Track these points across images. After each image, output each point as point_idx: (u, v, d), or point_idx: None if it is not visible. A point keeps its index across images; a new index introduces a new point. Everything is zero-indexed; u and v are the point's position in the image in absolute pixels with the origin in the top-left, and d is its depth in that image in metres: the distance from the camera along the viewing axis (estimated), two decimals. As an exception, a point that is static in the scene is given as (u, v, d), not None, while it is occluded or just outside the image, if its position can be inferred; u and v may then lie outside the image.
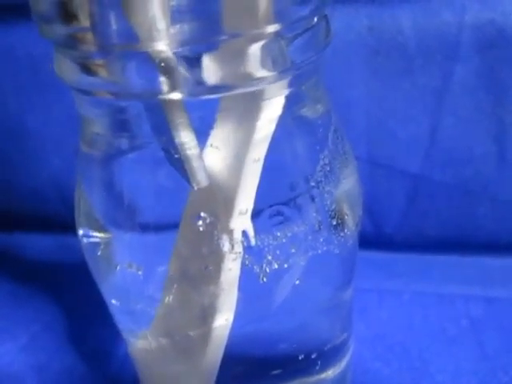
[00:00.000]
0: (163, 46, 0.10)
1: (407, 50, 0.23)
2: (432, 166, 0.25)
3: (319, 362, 0.16)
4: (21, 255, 0.29)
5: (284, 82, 0.12)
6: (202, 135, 0.12)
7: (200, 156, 0.12)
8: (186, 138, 0.12)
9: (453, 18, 0.22)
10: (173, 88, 0.11)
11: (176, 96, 0.11)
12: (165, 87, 0.11)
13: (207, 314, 0.14)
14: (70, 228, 0.16)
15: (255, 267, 0.14)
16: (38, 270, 0.28)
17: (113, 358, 0.23)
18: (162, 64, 0.11)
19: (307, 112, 0.14)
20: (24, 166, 0.28)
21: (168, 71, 0.11)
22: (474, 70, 0.23)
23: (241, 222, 0.13)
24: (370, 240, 0.27)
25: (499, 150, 0.24)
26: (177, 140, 0.12)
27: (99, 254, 0.15)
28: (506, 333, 0.22)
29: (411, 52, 0.23)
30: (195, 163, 0.12)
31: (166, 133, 0.12)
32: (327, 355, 0.17)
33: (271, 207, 0.14)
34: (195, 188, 0.13)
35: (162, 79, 0.11)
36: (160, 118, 0.12)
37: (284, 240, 0.14)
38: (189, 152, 0.12)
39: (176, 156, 0.12)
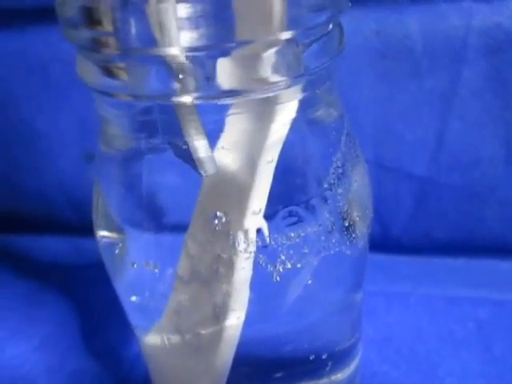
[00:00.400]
0: (177, 50, 0.11)
1: (414, 54, 0.23)
2: (439, 169, 0.25)
3: (330, 364, 0.16)
4: (31, 257, 0.30)
5: (298, 87, 0.13)
6: (216, 138, 0.12)
7: (207, 146, 0.12)
8: (193, 130, 0.12)
9: (460, 21, 0.23)
10: (185, 91, 0.11)
11: (188, 99, 0.11)
12: (178, 90, 0.11)
13: (219, 312, 0.15)
14: (77, 230, 0.16)
15: (269, 266, 0.14)
16: (49, 272, 0.28)
17: (124, 359, 0.23)
18: (177, 68, 0.11)
19: (321, 116, 0.14)
20: (32, 168, 0.28)
21: (182, 75, 0.11)
22: (481, 74, 0.23)
23: (254, 221, 0.14)
24: (377, 242, 0.27)
25: (506, 153, 0.24)
26: (185, 132, 0.12)
27: (117, 252, 0.15)
28: (513, 335, 0.22)
29: (418, 55, 0.23)
30: (202, 152, 0.12)
31: (176, 129, 0.12)
32: (338, 357, 0.17)
33: (285, 208, 0.14)
34: (204, 175, 0.13)
35: (176, 83, 0.11)
36: (172, 116, 0.12)
37: (297, 240, 0.14)
38: (196, 142, 0.12)
39: (184, 147, 0.12)
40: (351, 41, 0.24)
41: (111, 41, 0.11)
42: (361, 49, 0.24)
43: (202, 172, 0.13)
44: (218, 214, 0.13)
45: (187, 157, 0.13)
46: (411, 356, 0.22)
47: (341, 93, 0.24)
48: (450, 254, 0.27)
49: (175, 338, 0.16)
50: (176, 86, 0.11)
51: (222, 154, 0.13)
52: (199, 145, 0.12)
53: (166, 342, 0.16)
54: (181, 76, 0.11)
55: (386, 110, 0.24)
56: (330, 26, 0.13)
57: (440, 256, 0.27)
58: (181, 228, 0.14)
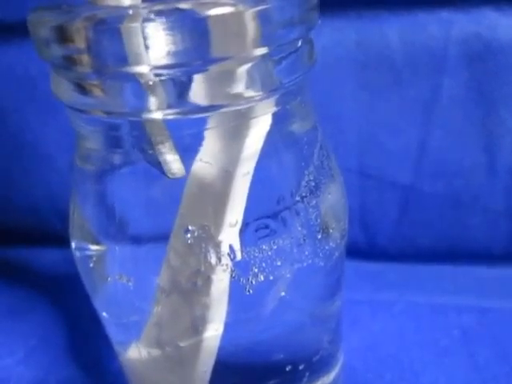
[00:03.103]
0: (148, 68, 0.11)
1: (395, 64, 0.23)
2: (423, 177, 0.25)
3: (307, 374, 0.16)
4: (19, 268, 0.30)
5: (271, 101, 0.13)
6: (193, 152, 0.13)
7: (173, 149, 0.13)
8: (160, 135, 0.12)
9: (439, 31, 0.23)
10: (157, 108, 0.11)
11: (160, 115, 0.12)
12: (150, 107, 0.11)
13: (198, 324, 0.15)
14: (65, 242, 0.16)
15: (241, 279, 0.14)
16: (36, 284, 0.28)
17: (108, 371, 0.23)
18: (150, 85, 0.11)
19: (293, 129, 0.14)
20: (21, 181, 0.28)
21: (156, 92, 0.11)
22: (461, 83, 0.23)
23: (230, 234, 0.14)
24: (362, 251, 0.28)
25: (488, 161, 0.24)
26: (152, 138, 0.12)
27: (91, 265, 0.15)
28: (497, 344, 0.22)
29: (399, 65, 0.23)
30: (169, 156, 0.13)
31: (145, 141, 0.12)
32: (315, 367, 0.17)
33: (257, 220, 0.14)
34: (171, 177, 0.13)
35: (149, 99, 0.11)
36: (141, 130, 0.12)
37: (270, 253, 0.14)
38: (161, 145, 0.12)
39: (150, 152, 0.12)
40: (333, 51, 0.25)
41: (84, 59, 0.11)
42: (342, 59, 0.24)
43: (169, 175, 0.13)
44: (190, 227, 0.14)
45: (155, 161, 0.13)
46: (395, 365, 0.22)
47: (323, 103, 0.25)
48: (435, 261, 0.27)
49: (156, 352, 0.16)
50: (148, 102, 0.11)
51: (200, 167, 0.13)
52: (165, 148, 0.13)
53: (147, 355, 0.16)
54: (154, 93, 0.11)
55: (369, 120, 0.25)
56: (299, 43, 0.13)
57: (425, 263, 0.27)
58: (154, 241, 0.14)
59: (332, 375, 0.18)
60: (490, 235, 0.25)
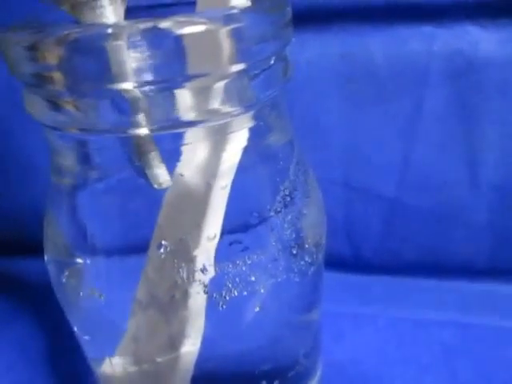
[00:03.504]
0: (129, 85, 0.11)
1: (379, 77, 0.24)
2: (407, 191, 0.25)
3: (283, 390, 0.16)
4: (1, 279, 0.29)
5: (248, 116, 0.13)
6: (171, 166, 0.13)
7: (160, 160, 0.13)
8: (146, 147, 0.13)
9: (421, 46, 0.23)
10: (139, 124, 0.11)
11: (143, 131, 0.12)
12: (127, 123, 0.11)
13: (175, 338, 0.15)
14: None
15: (215, 294, 0.14)
16: (17, 295, 0.28)
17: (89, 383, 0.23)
18: (127, 102, 0.11)
19: (269, 144, 0.15)
20: (4, 191, 0.28)
21: (134, 108, 0.11)
22: (444, 97, 0.23)
23: (208, 247, 0.14)
24: (347, 263, 0.28)
25: (471, 175, 0.24)
26: (137, 148, 0.13)
27: (64, 280, 0.15)
28: (479, 360, 0.22)
29: (383, 79, 0.24)
30: (156, 166, 0.13)
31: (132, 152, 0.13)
32: (291, 382, 0.16)
33: (231, 235, 0.14)
34: (157, 188, 0.13)
35: (126, 116, 0.11)
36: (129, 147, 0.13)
37: (244, 268, 0.14)
38: (149, 157, 0.13)
39: (137, 164, 0.13)
40: (317, 64, 0.25)
41: (57, 77, 0.11)
42: (327, 72, 0.24)
43: (155, 185, 0.13)
44: (163, 242, 0.14)
45: (141, 172, 0.13)
46: (376, 379, 0.22)
47: (308, 115, 0.25)
48: (419, 274, 0.27)
49: (131, 367, 0.15)
50: (126, 119, 0.11)
51: (179, 181, 0.13)
52: (151, 159, 0.13)
53: (121, 371, 0.16)
54: (132, 109, 0.11)
55: (353, 132, 0.25)
56: (273, 59, 0.13)
57: (410, 276, 0.27)
58: (126, 256, 0.14)
59: (309, 391, 0.18)
60: (472, 249, 0.25)
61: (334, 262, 0.26)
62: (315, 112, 0.25)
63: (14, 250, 0.29)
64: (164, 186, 0.13)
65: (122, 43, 0.10)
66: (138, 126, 0.11)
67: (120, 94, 0.11)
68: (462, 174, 0.24)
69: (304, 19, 0.23)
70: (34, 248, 0.28)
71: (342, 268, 0.27)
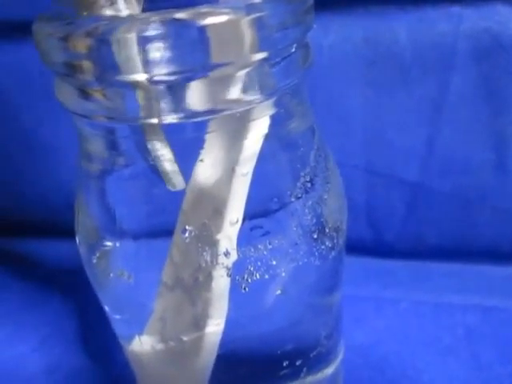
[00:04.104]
0: (153, 75, 0.11)
1: (403, 61, 0.23)
2: (430, 175, 0.25)
3: (304, 369, 0.17)
4: (33, 260, 0.31)
5: (269, 104, 0.13)
6: (195, 154, 0.13)
7: (173, 162, 0.13)
8: (160, 149, 0.13)
9: (448, 27, 0.22)
10: (158, 113, 0.12)
11: (155, 121, 0.12)
12: (150, 112, 0.12)
13: (200, 319, 0.15)
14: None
15: (237, 277, 0.14)
16: (49, 274, 0.29)
17: (116, 361, 0.24)
18: (151, 92, 0.12)
19: (290, 131, 0.15)
20: (34, 175, 0.29)
21: (156, 98, 0.12)
22: (470, 80, 0.23)
23: (230, 232, 0.14)
24: (369, 248, 0.28)
25: (497, 159, 0.24)
26: (152, 151, 0.13)
27: (95, 261, 0.16)
28: (501, 343, 0.22)
29: (407, 62, 0.23)
30: (169, 168, 0.13)
31: (146, 148, 0.13)
32: (313, 362, 0.17)
33: (252, 220, 0.14)
34: (172, 189, 0.13)
35: (150, 105, 0.12)
36: (141, 135, 0.13)
37: (265, 252, 0.14)
38: (162, 159, 0.13)
39: (152, 163, 0.13)
40: (340, 48, 0.24)
41: (86, 67, 0.12)
42: (350, 56, 0.24)
43: (169, 187, 0.13)
44: (187, 227, 0.14)
45: (156, 172, 0.13)
46: (397, 362, 0.22)
47: (330, 100, 0.25)
48: (442, 259, 0.27)
49: (159, 345, 0.16)
50: (149, 108, 0.12)
51: (201, 168, 0.14)
52: (165, 160, 0.13)
53: (149, 348, 0.16)
54: (155, 99, 0.12)
55: (377, 117, 0.25)
56: (294, 48, 0.13)
57: (432, 261, 0.27)
58: (153, 239, 0.15)
59: (330, 370, 0.18)
60: (498, 234, 0.25)
61: (356, 247, 0.27)
62: (338, 97, 0.24)
63: (46, 232, 0.30)
64: (178, 188, 0.13)
65: (145, 34, 0.11)
66: (159, 115, 0.12)
67: (143, 84, 0.11)
68: (487, 157, 0.24)
69: (327, 2, 0.23)
70: (66, 231, 0.29)
71: (363, 252, 0.27)
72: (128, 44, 0.11)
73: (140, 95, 0.12)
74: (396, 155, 0.25)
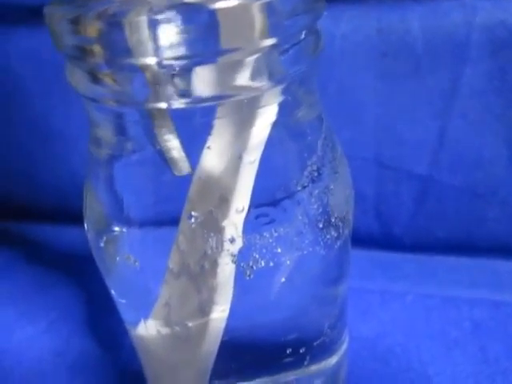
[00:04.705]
0: (162, 59, 0.11)
1: (415, 52, 0.23)
2: (440, 169, 0.25)
3: (308, 357, 0.17)
4: (44, 244, 0.31)
5: (277, 91, 0.13)
6: (202, 140, 0.13)
7: (180, 148, 0.13)
8: (166, 132, 0.13)
9: (462, 18, 0.22)
10: (165, 98, 0.12)
11: (163, 105, 0.12)
12: (159, 97, 0.12)
13: (205, 305, 0.15)
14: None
15: (242, 264, 0.14)
16: (60, 259, 0.30)
17: (123, 345, 0.24)
18: (159, 76, 0.12)
19: (298, 119, 0.15)
20: (47, 162, 0.29)
21: (164, 82, 0.12)
22: (483, 72, 0.23)
23: (236, 219, 0.14)
24: (377, 240, 0.28)
25: (509, 153, 0.24)
26: (159, 136, 0.13)
27: (102, 245, 0.16)
28: (508, 337, 0.22)
29: (419, 53, 0.23)
30: (175, 154, 0.13)
31: (153, 133, 0.13)
32: (316, 351, 0.17)
33: (258, 208, 0.14)
34: (178, 175, 0.13)
35: (158, 90, 0.12)
36: (149, 120, 0.13)
37: (270, 240, 0.14)
38: (168, 143, 0.13)
39: (158, 148, 0.13)
40: (353, 38, 0.24)
41: (96, 50, 0.12)
42: (362, 47, 0.24)
43: (176, 172, 0.14)
44: (193, 213, 0.14)
45: (163, 157, 0.13)
46: (402, 354, 0.22)
47: (341, 91, 0.25)
48: (450, 253, 0.26)
49: (164, 330, 0.16)
50: (157, 93, 0.12)
51: (208, 155, 0.14)
52: (171, 146, 0.13)
53: (155, 333, 0.17)
54: (163, 84, 0.12)
55: (387, 109, 0.24)
56: (303, 34, 0.13)
57: (441, 255, 0.27)
58: (160, 225, 0.15)
59: (334, 360, 0.18)
60: (506, 228, 0.25)
61: (364, 239, 0.27)
62: (349, 87, 0.24)
63: (58, 218, 0.31)
64: (184, 173, 0.14)
65: (156, 18, 0.11)
66: (167, 99, 0.12)
67: (152, 68, 0.11)
68: (499, 151, 0.24)
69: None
70: (77, 217, 0.29)
71: (371, 245, 0.27)
72: (139, 27, 0.11)
73: (149, 79, 0.12)
74: (406, 148, 0.25)
